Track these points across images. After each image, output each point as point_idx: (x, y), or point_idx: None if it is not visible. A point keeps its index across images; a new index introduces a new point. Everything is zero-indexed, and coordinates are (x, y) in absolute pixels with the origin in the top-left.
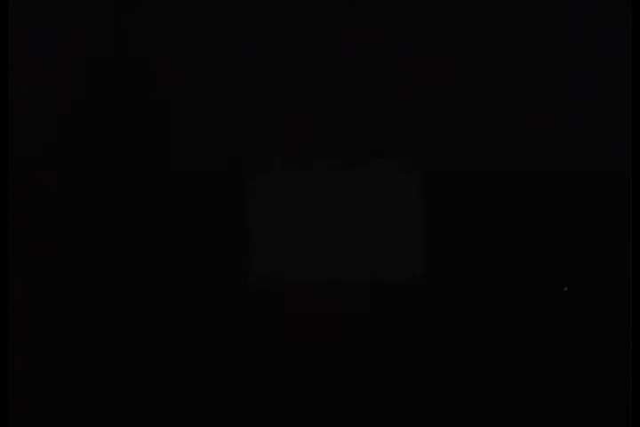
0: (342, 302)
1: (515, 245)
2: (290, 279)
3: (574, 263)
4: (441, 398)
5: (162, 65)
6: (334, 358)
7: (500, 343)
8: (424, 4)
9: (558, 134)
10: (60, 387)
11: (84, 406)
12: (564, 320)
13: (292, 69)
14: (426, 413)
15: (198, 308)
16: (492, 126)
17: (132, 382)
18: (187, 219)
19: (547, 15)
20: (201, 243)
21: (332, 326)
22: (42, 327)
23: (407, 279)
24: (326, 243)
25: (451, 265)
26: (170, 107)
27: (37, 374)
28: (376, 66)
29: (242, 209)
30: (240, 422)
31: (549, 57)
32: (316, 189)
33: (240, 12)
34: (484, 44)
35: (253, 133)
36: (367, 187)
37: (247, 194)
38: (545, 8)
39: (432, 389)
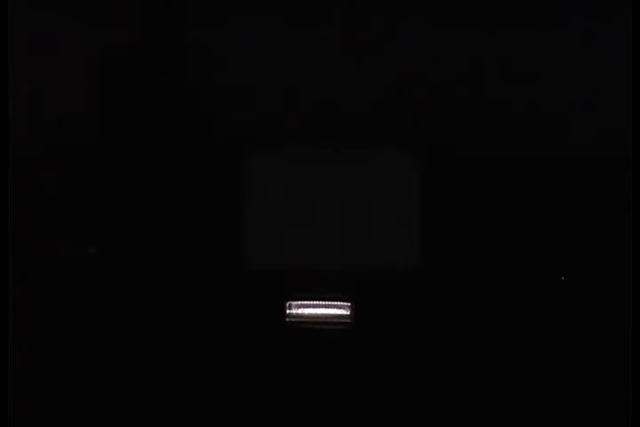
0: (340, 291)
1: (514, 236)
2: (289, 269)
3: (575, 254)
4: (438, 385)
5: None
6: (333, 346)
7: (497, 334)
8: (424, 4)
9: (557, 134)
10: (60, 387)
11: (84, 406)
12: (562, 310)
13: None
14: (422, 399)
15: (198, 302)
16: (489, 122)
17: (133, 380)
18: (187, 216)
19: (546, 15)
20: (201, 239)
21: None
22: (42, 327)
23: (406, 268)
24: (324, 232)
25: (449, 257)
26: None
27: (37, 374)
28: (376, 64)
29: (240, 203)
30: (243, 418)
31: (549, 56)
32: (315, 179)
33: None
34: (484, 44)
35: (254, 128)
36: (365, 177)
37: (245, 185)
38: (545, 8)
39: (431, 378)
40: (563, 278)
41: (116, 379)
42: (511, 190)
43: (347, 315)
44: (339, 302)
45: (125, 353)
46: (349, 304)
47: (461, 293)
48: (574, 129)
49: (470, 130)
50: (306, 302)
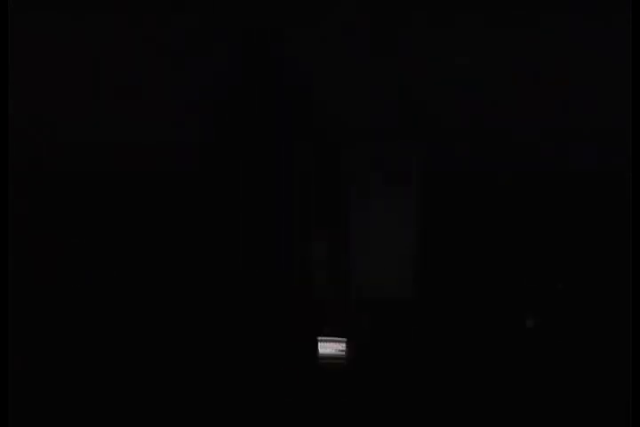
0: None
1: (512, 247)
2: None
3: (576, 271)
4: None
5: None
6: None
7: (496, 369)
8: (424, 4)
9: (557, 134)
10: (60, 387)
11: (84, 407)
12: (565, 325)
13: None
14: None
15: (200, 305)
16: (488, 126)
17: (133, 381)
18: (188, 217)
19: (547, 15)
20: (202, 239)
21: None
22: (42, 327)
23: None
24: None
25: (444, 288)
26: None
27: (37, 374)
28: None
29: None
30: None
31: (549, 56)
32: None
33: None
34: (485, 44)
35: None
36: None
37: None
38: (545, 8)
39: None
40: (560, 286)
41: (116, 380)
42: (506, 220)
43: (342, 352)
44: (334, 338)
45: (126, 355)
46: (344, 340)
47: (456, 324)
48: (573, 129)
49: (467, 130)
50: None
